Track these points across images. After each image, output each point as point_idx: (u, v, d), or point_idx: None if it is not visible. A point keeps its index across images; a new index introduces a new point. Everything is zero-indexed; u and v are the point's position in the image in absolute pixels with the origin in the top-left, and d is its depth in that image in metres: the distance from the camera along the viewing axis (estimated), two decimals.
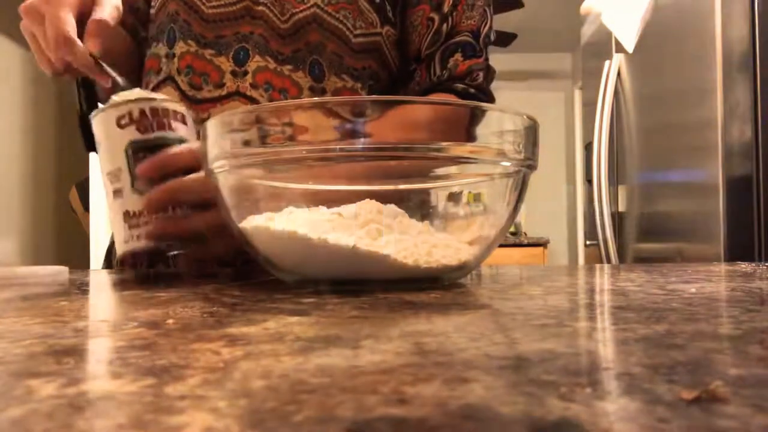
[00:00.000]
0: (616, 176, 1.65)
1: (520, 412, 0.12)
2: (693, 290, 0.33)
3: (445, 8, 0.68)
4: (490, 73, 0.72)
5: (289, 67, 0.65)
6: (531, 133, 0.38)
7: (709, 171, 1.18)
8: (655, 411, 0.12)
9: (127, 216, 0.46)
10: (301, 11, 0.64)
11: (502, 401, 0.13)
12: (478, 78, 0.70)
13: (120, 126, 0.46)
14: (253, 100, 0.64)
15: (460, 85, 0.68)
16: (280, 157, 0.35)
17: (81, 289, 0.40)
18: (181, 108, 0.49)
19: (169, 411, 0.12)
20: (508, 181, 0.39)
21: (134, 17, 0.75)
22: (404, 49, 0.71)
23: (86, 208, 2.54)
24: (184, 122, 0.48)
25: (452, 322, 0.23)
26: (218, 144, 0.37)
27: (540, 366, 0.16)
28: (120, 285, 0.42)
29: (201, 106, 0.65)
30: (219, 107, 0.65)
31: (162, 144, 0.46)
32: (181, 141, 0.47)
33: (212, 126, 0.38)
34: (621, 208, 1.64)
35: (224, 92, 0.65)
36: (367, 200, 0.39)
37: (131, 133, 0.46)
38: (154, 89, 0.70)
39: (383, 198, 0.39)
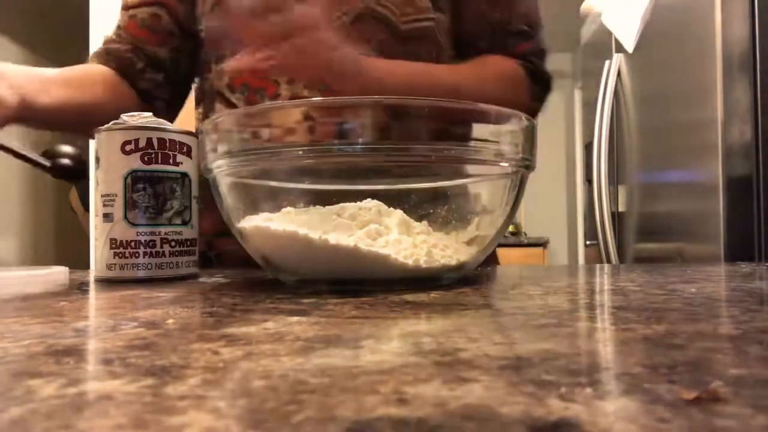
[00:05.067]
0: (616, 176, 1.65)
1: (520, 412, 0.12)
2: (693, 290, 0.33)
3: None
4: (544, 56, 0.73)
5: None
6: (529, 134, 0.38)
7: (709, 171, 1.18)
8: (655, 411, 0.12)
9: (114, 243, 0.44)
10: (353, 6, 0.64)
11: (502, 401, 0.13)
12: (534, 60, 0.71)
13: (124, 151, 0.45)
14: None
15: (517, 61, 0.70)
16: (279, 156, 0.35)
17: (81, 289, 0.40)
18: (189, 139, 0.48)
19: (169, 411, 0.12)
20: (506, 182, 0.39)
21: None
22: (455, 38, 0.71)
23: (86, 208, 2.53)
24: (189, 155, 0.47)
25: (452, 322, 0.23)
26: (218, 144, 0.37)
27: (540, 366, 0.16)
28: (120, 285, 0.42)
29: None
30: None
31: (163, 177, 0.45)
32: (184, 176, 0.47)
33: (211, 126, 0.38)
34: (621, 208, 1.64)
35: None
36: (368, 200, 0.39)
37: (134, 162, 0.45)
38: (202, 103, 0.70)
39: (383, 198, 0.39)
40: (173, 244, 0.46)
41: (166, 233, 0.46)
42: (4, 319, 0.25)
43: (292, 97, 0.62)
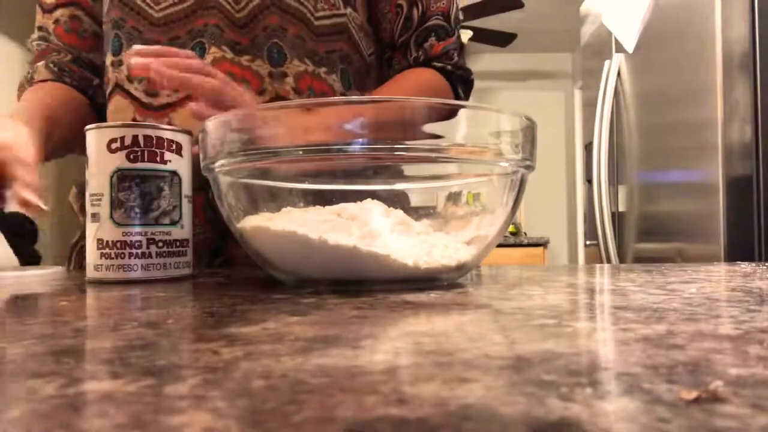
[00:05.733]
0: (616, 176, 1.65)
1: (520, 412, 0.12)
2: (693, 290, 0.33)
3: None
4: (462, 49, 0.74)
5: (247, 57, 0.62)
6: (529, 134, 0.38)
7: (709, 171, 1.18)
8: (655, 411, 0.12)
9: (100, 244, 0.44)
10: None
11: (502, 401, 0.13)
12: (454, 57, 0.72)
13: (110, 150, 0.44)
14: None
15: (437, 64, 0.70)
16: (279, 157, 0.35)
17: (81, 289, 0.40)
18: (179, 137, 0.46)
19: (169, 411, 0.12)
20: (506, 182, 0.39)
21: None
22: (376, 37, 0.72)
23: None
24: (179, 152, 0.46)
25: (452, 322, 0.23)
26: (218, 144, 0.37)
27: (540, 366, 0.16)
28: (119, 285, 0.42)
29: (160, 113, 0.63)
30: (179, 110, 0.62)
31: (150, 176, 0.44)
32: (173, 174, 0.46)
33: (212, 126, 0.38)
34: (621, 208, 1.64)
35: (183, 94, 0.61)
36: (368, 200, 0.39)
37: (120, 160, 0.44)
38: (108, 98, 0.68)
39: (383, 198, 0.39)
40: (161, 244, 0.45)
41: (152, 233, 0.44)
42: (4, 319, 0.25)
43: None
